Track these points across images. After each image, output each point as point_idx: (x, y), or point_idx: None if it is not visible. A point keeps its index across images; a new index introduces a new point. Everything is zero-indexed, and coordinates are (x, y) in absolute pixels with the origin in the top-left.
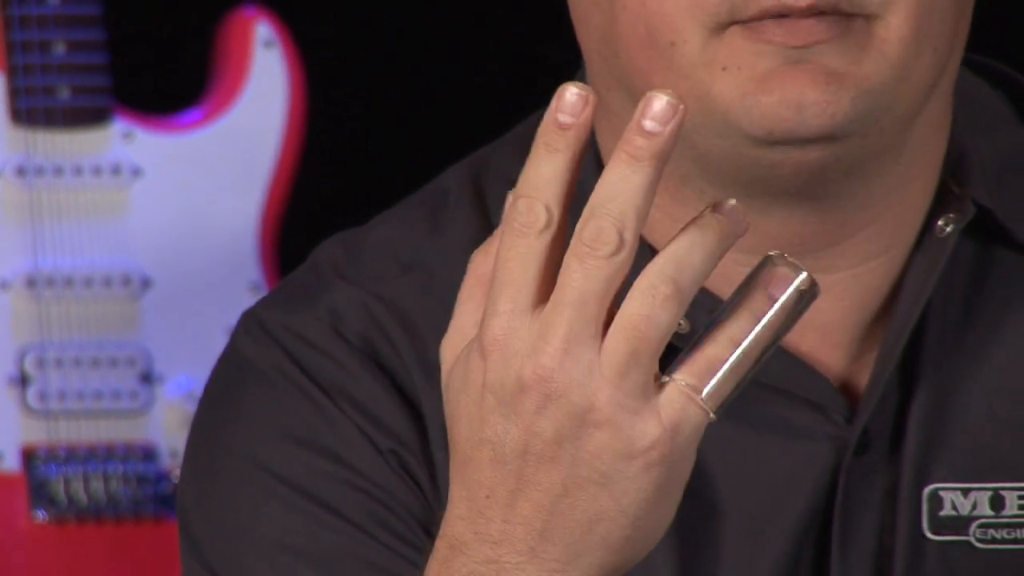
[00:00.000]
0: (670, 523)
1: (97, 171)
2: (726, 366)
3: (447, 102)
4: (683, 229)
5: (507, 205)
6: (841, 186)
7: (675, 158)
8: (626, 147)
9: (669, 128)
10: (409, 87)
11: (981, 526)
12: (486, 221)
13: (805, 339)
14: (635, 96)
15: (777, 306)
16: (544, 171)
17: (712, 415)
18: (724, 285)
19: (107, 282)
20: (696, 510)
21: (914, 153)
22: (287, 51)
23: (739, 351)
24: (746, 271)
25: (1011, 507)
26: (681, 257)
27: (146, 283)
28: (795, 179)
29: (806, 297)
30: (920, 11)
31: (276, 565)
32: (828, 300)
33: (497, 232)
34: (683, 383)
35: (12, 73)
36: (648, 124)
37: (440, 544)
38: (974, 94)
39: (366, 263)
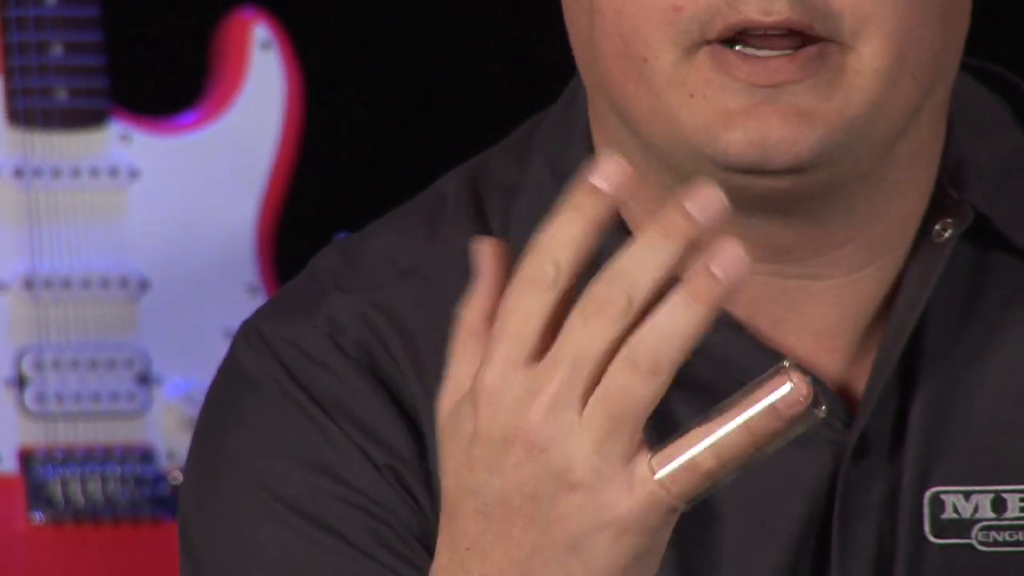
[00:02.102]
0: None
1: (95, 173)
2: (703, 472)
3: (446, 103)
4: (668, 298)
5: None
6: (818, 205)
7: (656, 170)
8: (663, 221)
9: (708, 214)
10: (407, 88)
11: (983, 529)
12: (484, 228)
13: (800, 342)
14: (615, 104)
15: (780, 422)
16: (565, 231)
17: (680, 507)
18: (739, 303)
19: (105, 284)
20: (695, 516)
21: (903, 168)
22: (285, 53)
23: (720, 462)
24: (759, 284)
25: (1013, 509)
26: (665, 329)
27: (144, 285)
28: (766, 201)
29: (811, 419)
30: (897, 39)
31: None
32: (821, 306)
33: (480, 284)
34: (659, 475)
35: (10, 74)
36: (689, 207)
37: None
38: (972, 99)
39: (364, 271)
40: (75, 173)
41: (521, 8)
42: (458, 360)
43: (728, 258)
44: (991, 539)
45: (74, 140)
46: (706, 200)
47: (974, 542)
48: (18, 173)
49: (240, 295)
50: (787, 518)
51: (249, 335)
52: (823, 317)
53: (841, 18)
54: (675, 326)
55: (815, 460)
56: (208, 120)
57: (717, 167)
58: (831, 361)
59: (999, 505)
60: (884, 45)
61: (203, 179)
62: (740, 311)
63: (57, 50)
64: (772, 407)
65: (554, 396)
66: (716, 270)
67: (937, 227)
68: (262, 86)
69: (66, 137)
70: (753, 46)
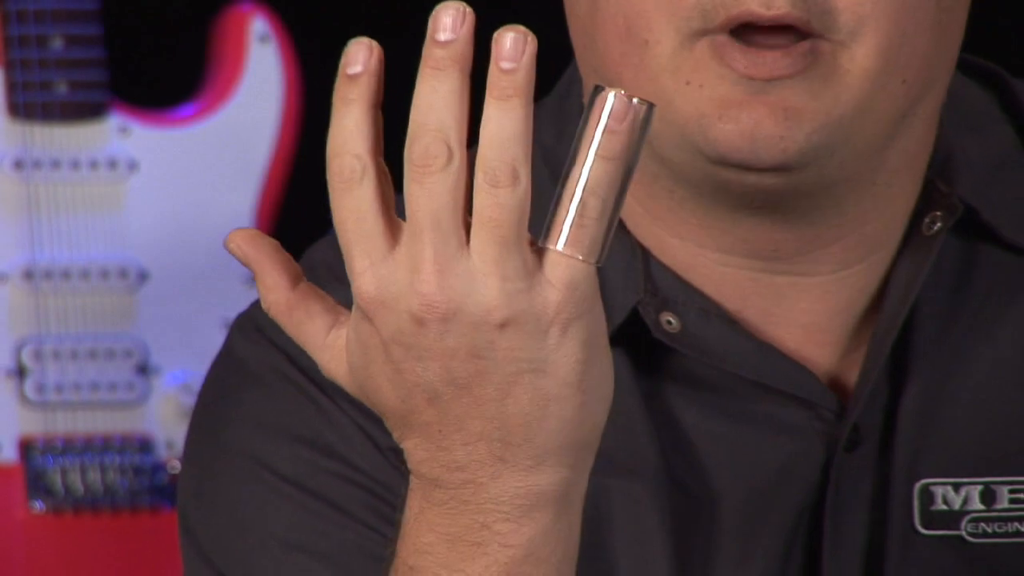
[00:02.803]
0: (613, 375)
1: (94, 165)
2: (594, 217)
3: None
4: (488, 109)
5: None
6: (805, 205)
7: (644, 158)
8: (428, 61)
9: (462, 34)
10: (405, 82)
11: (972, 520)
12: None
13: (791, 335)
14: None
15: (619, 135)
16: (347, 123)
17: (597, 263)
18: (708, 286)
19: (104, 275)
20: (690, 504)
21: (894, 172)
22: (282, 46)
23: (601, 199)
24: (726, 271)
25: (1002, 501)
26: (501, 137)
27: (142, 276)
28: (753, 198)
29: (642, 117)
30: (889, 41)
31: (284, 563)
32: (810, 301)
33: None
34: (557, 250)
35: (10, 68)
36: (441, 36)
37: (416, 486)
38: (961, 93)
39: None
40: (74, 165)
41: (520, 2)
42: (309, 329)
43: (507, 47)
44: (980, 530)
45: (73, 132)
46: (448, 21)
47: (963, 533)
48: (18, 165)
49: (238, 287)
50: (781, 508)
51: (245, 327)
52: (812, 312)
53: (839, 16)
54: (504, 129)
55: (808, 451)
56: (206, 113)
57: (707, 160)
58: (822, 355)
59: (988, 497)
60: (877, 46)
61: (201, 171)
62: (730, 305)
63: (57, 43)
64: (607, 128)
65: (435, 259)
66: (503, 64)
67: (927, 220)
68: (260, 79)
69: (65, 129)
70: (751, 40)
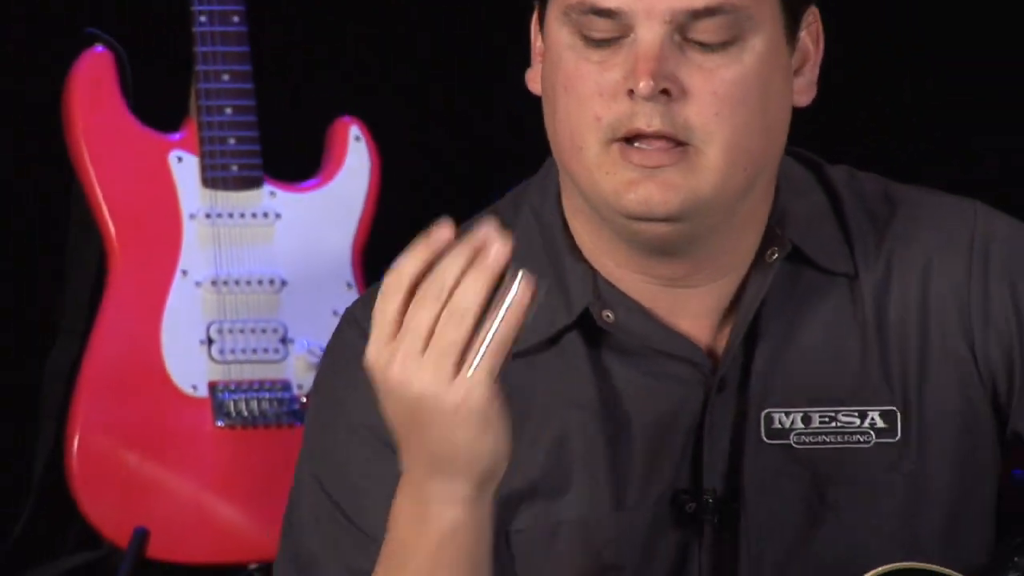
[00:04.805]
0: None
1: (254, 215)
2: (496, 354)
3: (479, 182)
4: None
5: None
6: (685, 246)
7: (593, 216)
8: (448, 262)
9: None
10: (455, 169)
11: (797, 434)
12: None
13: (684, 322)
14: (567, 174)
15: (518, 314)
16: (458, 270)
17: (494, 379)
18: (633, 293)
19: (259, 282)
20: (619, 427)
21: (743, 222)
22: (369, 143)
23: (502, 344)
24: (644, 285)
25: (815, 422)
26: (459, 304)
27: (283, 283)
28: (654, 241)
29: (528, 300)
30: (730, 147)
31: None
32: (694, 302)
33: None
34: (472, 372)
35: (202, 156)
36: (464, 249)
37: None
38: (794, 172)
39: None
40: (242, 215)
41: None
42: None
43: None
44: (802, 441)
45: (242, 196)
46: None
47: (791, 443)
48: (208, 216)
49: (342, 288)
50: (676, 429)
51: (349, 319)
52: (697, 308)
53: (695, 131)
54: (467, 298)
55: (693, 394)
56: (324, 183)
57: (624, 216)
58: (703, 334)
59: (806, 420)
60: (722, 152)
61: (319, 220)
62: (647, 304)
63: (231, 141)
64: (513, 305)
65: (403, 356)
66: (491, 262)
67: (768, 252)
68: (356, 163)
69: (237, 194)
70: (642, 144)
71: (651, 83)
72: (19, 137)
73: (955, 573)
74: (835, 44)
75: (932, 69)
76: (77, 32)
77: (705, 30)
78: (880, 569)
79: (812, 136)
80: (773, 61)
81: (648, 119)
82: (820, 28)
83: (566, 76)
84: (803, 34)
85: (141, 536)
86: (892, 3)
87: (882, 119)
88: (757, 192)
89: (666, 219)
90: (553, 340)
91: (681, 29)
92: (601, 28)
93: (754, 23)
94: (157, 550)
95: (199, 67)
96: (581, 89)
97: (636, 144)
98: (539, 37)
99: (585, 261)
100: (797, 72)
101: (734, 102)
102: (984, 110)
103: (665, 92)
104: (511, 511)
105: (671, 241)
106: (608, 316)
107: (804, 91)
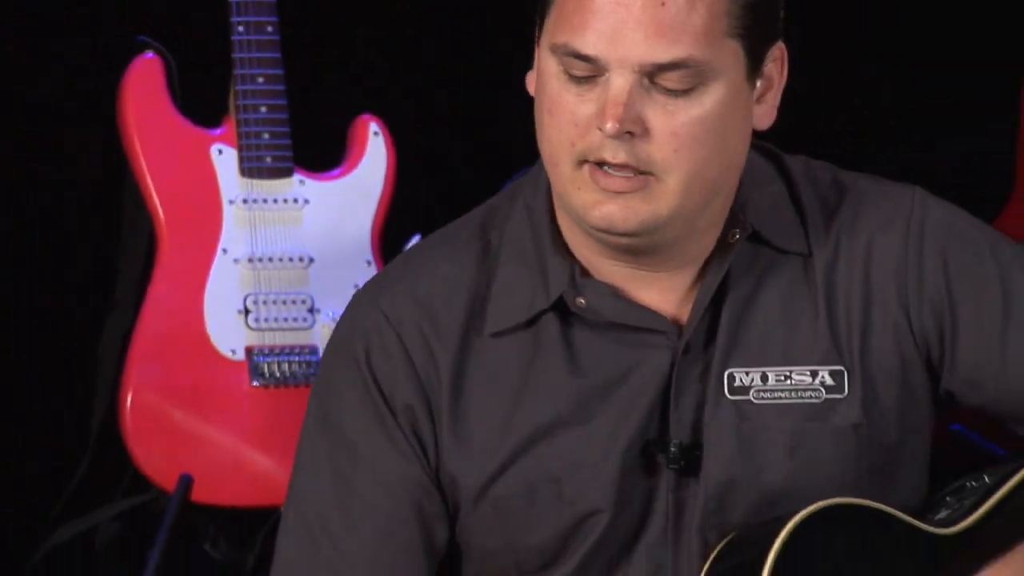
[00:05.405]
0: None
1: (285, 201)
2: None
3: (484, 181)
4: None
5: None
6: (649, 252)
7: (569, 214)
8: None
9: None
10: (468, 167)
11: (756, 391)
12: (485, 239)
13: (651, 298)
14: (550, 179)
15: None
16: None
17: None
18: (606, 277)
19: (290, 259)
20: (593, 391)
21: (703, 229)
22: (386, 138)
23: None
24: (615, 269)
25: (771, 381)
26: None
27: (311, 260)
28: (620, 247)
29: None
30: (688, 177)
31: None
32: (660, 282)
33: None
34: None
35: (240, 149)
36: None
37: None
38: (756, 163)
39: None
40: (275, 201)
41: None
42: None
43: None
44: (760, 397)
45: (275, 183)
46: None
47: (751, 399)
48: (245, 201)
49: (362, 265)
50: (648, 389)
51: (363, 293)
52: (663, 286)
53: (656, 164)
54: None
55: (661, 356)
56: (346, 173)
57: (592, 229)
58: (669, 306)
59: (763, 378)
60: (681, 182)
61: (344, 204)
62: (618, 285)
63: (266, 136)
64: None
65: None
66: None
67: (731, 233)
68: (374, 155)
69: (270, 181)
70: (610, 169)
71: (616, 126)
72: (105, 138)
73: (890, 507)
74: (814, 47)
75: (910, 72)
76: (131, 40)
77: (670, 79)
78: (822, 503)
79: (792, 137)
80: (734, 102)
81: (614, 152)
82: (785, 57)
83: (551, 100)
84: (767, 67)
85: (186, 482)
86: (871, 7)
87: (860, 122)
88: (718, 203)
89: (626, 235)
90: (531, 321)
91: (649, 75)
92: (581, 68)
93: (716, 72)
94: (200, 494)
95: (237, 71)
96: (560, 116)
97: (605, 168)
98: (538, 48)
99: (565, 255)
100: (759, 100)
101: (693, 141)
102: (957, 113)
103: (630, 132)
104: (496, 474)
105: (634, 248)
106: (580, 302)
107: (765, 116)
